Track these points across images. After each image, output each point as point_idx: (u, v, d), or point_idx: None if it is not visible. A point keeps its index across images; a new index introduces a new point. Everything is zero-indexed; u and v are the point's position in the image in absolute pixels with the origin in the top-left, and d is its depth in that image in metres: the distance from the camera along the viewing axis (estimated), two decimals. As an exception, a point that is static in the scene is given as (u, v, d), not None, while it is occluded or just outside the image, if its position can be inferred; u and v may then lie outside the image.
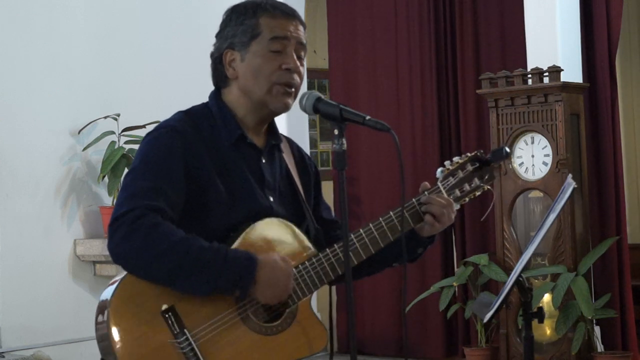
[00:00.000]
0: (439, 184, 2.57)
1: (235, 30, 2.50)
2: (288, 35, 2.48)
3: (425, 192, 2.55)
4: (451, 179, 2.58)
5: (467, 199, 2.61)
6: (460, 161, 2.61)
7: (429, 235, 2.58)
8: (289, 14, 2.51)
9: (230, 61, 2.50)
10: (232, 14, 2.53)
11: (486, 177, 2.62)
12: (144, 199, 2.33)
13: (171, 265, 2.29)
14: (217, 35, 2.55)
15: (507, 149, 2.61)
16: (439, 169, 2.59)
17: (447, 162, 2.61)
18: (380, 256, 2.53)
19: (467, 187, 2.60)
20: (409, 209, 2.52)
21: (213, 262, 2.31)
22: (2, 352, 5.19)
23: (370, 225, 2.49)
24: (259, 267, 2.34)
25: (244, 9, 2.51)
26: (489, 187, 2.64)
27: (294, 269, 2.42)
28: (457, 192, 2.58)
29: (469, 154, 2.63)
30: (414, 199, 2.54)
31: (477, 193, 2.62)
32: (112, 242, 2.33)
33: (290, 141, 2.68)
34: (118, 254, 2.33)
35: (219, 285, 2.32)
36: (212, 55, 2.56)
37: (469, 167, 2.60)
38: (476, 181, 2.60)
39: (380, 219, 2.50)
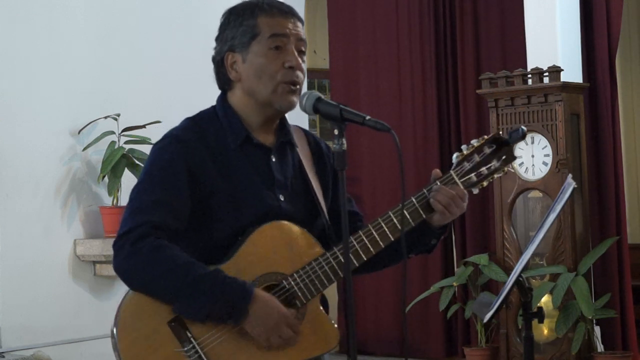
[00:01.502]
0: (451, 171, 2.53)
1: (234, 32, 2.50)
2: (287, 33, 2.48)
3: (437, 182, 2.52)
4: (466, 164, 2.53)
5: (485, 183, 2.55)
6: (477, 144, 2.55)
7: (440, 226, 2.55)
8: (287, 11, 2.52)
9: (232, 63, 2.50)
10: (230, 16, 2.53)
11: (504, 158, 2.55)
12: (146, 215, 2.37)
13: (169, 289, 2.34)
14: (217, 39, 2.56)
15: (524, 128, 2.54)
16: (455, 154, 2.54)
17: (463, 146, 2.56)
18: (395, 247, 2.50)
19: (484, 170, 2.54)
20: (420, 200, 2.50)
21: (210, 290, 2.33)
22: (2, 352, 5.18)
23: (379, 219, 2.48)
24: (253, 301, 2.34)
25: (241, 11, 2.51)
26: (509, 169, 2.59)
27: (300, 270, 2.43)
28: (473, 177, 2.54)
29: (485, 137, 2.57)
30: (424, 189, 2.51)
31: (496, 175, 2.56)
32: (116, 261, 2.39)
33: (306, 133, 2.66)
34: (121, 272, 2.39)
35: (212, 314, 2.34)
36: (213, 59, 2.56)
37: (487, 150, 2.54)
38: (495, 163, 2.55)
39: (390, 212, 2.48)
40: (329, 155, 2.65)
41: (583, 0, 6.42)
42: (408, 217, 2.48)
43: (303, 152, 2.59)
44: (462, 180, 2.53)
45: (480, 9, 7.00)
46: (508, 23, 6.86)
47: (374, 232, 2.47)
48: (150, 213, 2.37)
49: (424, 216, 2.51)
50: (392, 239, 2.47)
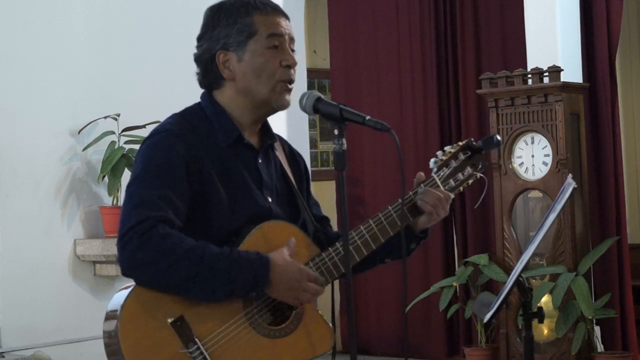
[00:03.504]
0: (434, 175, 2.58)
1: (228, 30, 2.47)
2: (282, 32, 2.49)
3: (422, 185, 2.56)
4: (445, 169, 2.59)
5: (461, 188, 2.62)
6: (452, 150, 2.61)
7: (422, 230, 2.59)
8: (278, 10, 2.52)
9: (225, 62, 2.48)
10: (220, 14, 2.49)
11: (479, 165, 2.63)
12: (150, 210, 2.31)
13: (186, 274, 2.29)
14: (203, 37, 2.51)
15: (498, 137, 2.62)
16: (432, 160, 2.60)
17: (439, 152, 2.62)
18: (373, 253, 2.53)
19: (460, 176, 2.61)
20: (406, 203, 2.53)
21: (227, 267, 2.31)
22: (2, 352, 5.18)
23: (370, 221, 2.50)
24: (272, 267, 2.34)
25: (233, 9, 2.48)
26: (481, 175, 2.65)
27: None
28: (452, 182, 2.60)
29: (460, 143, 2.63)
30: (410, 192, 2.55)
31: (470, 181, 2.63)
32: (124, 255, 2.30)
33: (280, 139, 2.68)
34: (131, 266, 2.31)
35: (235, 289, 2.32)
36: (199, 57, 2.52)
37: (461, 156, 2.61)
38: (469, 170, 2.62)
39: (380, 214, 2.51)
40: (301, 161, 2.69)
41: (583, 0, 6.41)
42: (396, 219, 2.50)
43: (281, 157, 2.61)
44: (443, 184, 2.58)
45: (480, 9, 7.00)
46: (508, 23, 6.86)
47: (366, 234, 2.49)
48: (154, 208, 2.32)
49: (410, 219, 2.54)
50: (382, 241, 2.51)
